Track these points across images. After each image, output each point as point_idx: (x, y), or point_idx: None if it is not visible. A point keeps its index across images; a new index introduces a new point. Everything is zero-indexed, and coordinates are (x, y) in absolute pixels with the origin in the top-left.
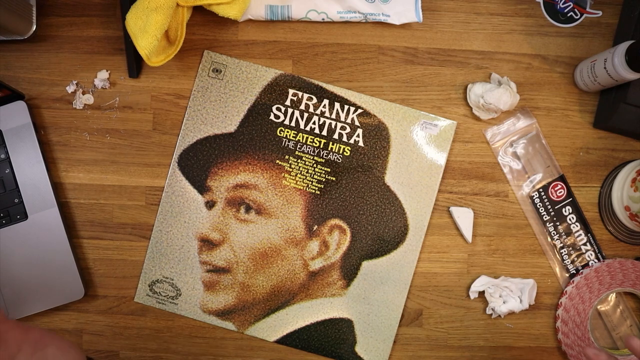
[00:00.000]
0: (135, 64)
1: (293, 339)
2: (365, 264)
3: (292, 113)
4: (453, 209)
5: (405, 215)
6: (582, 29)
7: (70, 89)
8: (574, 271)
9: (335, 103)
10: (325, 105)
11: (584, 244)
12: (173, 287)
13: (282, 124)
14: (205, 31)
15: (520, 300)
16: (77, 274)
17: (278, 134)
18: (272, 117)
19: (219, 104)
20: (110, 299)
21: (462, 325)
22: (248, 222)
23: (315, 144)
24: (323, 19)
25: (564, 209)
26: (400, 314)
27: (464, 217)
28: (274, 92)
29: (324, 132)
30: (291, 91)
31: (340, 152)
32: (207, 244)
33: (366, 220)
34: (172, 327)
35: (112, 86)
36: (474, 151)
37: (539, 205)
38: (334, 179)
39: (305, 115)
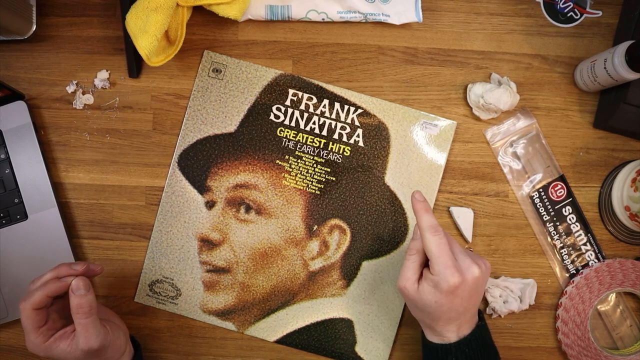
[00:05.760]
0: (135, 64)
1: (293, 339)
2: (365, 264)
3: (292, 113)
4: (453, 209)
5: (405, 215)
6: (582, 29)
7: (70, 89)
8: (574, 271)
9: (335, 103)
10: (325, 105)
11: (584, 244)
12: (173, 287)
13: (282, 124)
14: (205, 31)
15: (520, 300)
16: None
17: (278, 134)
18: (272, 117)
19: (219, 104)
20: (110, 299)
21: None
22: (248, 222)
23: (315, 144)
24: (323, 19)
25: (564, 209)
26: (400, 314)
27: (464, 217)
28: (274, 92)
29: (324, 132)
30: (291, 91)
31: (340, 152)
32: (207, 244)
33: (366, 220)
34: (172, 327)
35: (112, 86)
36: (474, 151)
37: (539, 205)
38: (334, 179)
39: (305, 115)
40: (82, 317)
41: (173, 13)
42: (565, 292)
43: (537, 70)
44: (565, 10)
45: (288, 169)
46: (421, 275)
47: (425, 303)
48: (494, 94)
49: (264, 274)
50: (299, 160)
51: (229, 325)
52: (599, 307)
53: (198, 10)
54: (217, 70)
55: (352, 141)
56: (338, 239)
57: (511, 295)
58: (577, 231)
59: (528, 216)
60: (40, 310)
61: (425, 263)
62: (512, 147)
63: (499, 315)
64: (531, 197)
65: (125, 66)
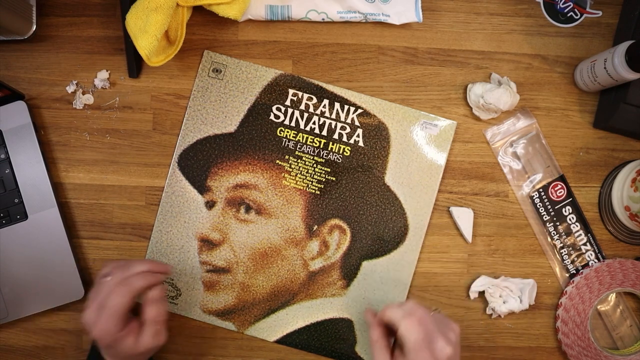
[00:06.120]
0: (135, 64)
1: (293, 339)
2: (365, 264)
3: (292, 113)
4: (453, 209)
5: (405, 215)
6: (582, 29)
7: (70, 89)
8: (574, 271)
9: (335, 103)
10: (325, 105)
11: (584, 244)
12: (173, 287)
13: (282, 124)
14: (205, 31)
15: (520, 300)
16: (77, 274)
17: (278, 134)
18: (272, 117)
19: (219, 104)
20: None
21: (462, 325)
22: (248, 222)
23: (315, 144)
24: (323, 19)
25: (564, 209)
26: None
27: (464, 217)
28: (274, 92)
29: (324, 132)
30: (291, 91)
31: (340, 152)
32: (207, 244)
33: (366, 220)
34: (172, 327)
35: (112, 86)
36: (474, 151)
37: (539, 205)
38: (334, 179)
39: (305, 115)
40: (158, 324)
41: (173, 13)
42: (565, 292)
43: (537, 70)
44: (565, 10)
45: (288, 169)
46: (394, 356)
47: None
48: (494, 94)
49: (264, 274)
50: (299, 160)
51: (229, 325)
52: (599, 307)
53: (198, 10)
54: (217, 70)
55: (352, 141)
56: (338, 239)
57: (511, 295)
58: (577, 231)
59: (528, 216)
60: (133, 300)
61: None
62: (512, 147)
63: (499, 315)
64: (531, 197)
65: (125, 66)
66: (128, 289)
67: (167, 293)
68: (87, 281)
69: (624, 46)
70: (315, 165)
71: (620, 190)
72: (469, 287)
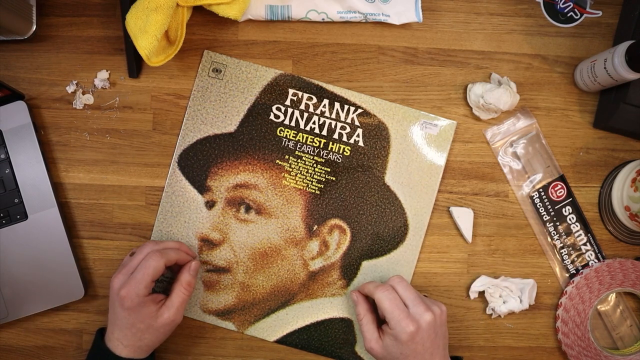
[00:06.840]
0: (135, 64)
1: (293, 339)
2: (365, 264)
3: (292, 113)
4: (453, 209)
5: (405, 215)
6: (582, 29)
7: (70, 89)
8: (574, 271)
9: (335, 103)
10: (325, 105)
11: (584, 244)
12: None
13: (282, 123)
14: (205, 31)
15: (520, 300)
16: (77, 274)
17: (278, 133)
18: (272, 117)
19: (219, 104)
20: None
21: (462, 325)
22: (248, 222)
23: (315, 143)
24: (323, 19)
25: (564, 209)
26: None
27: (464, 217)
28: (274, 92)
29: (324, 132)
30: (291, 91)
31: (340, 152)
32: (207, 243)
33: (366, 220)
34: None
35: (112, 86)
36: (474, 151)
37: (539, 205)
38: (334, 178)
39: (305, 115)
40: (187, 292)
41: (173, 13)
42: (565, 292)
43: (537, 70)
44: (565, 10)
45: (288, 168)
46: (382, 331)
47: (393, 356)
48: (494, 94)
49: (264, 274)
50: (299, 160)
51: (229, 325)
52: (599, 307)
53: (198, 10)
54: (217, 70)
55: (352, 141)
56: (338, 239)
57: (511, 295)
58: (577, 231)
59: (528, 216)
60: (164, 268)
61: (383, 319)
62: (512, 147)
63: (499, 315)
64: (531, 197)
65: (125, 66)
66: (162, 255)
67: (166, 293)
68: (87, 281)
69: (624, 46)
70: (315, 165)
71: (620, 190)
72: (469, 287)
